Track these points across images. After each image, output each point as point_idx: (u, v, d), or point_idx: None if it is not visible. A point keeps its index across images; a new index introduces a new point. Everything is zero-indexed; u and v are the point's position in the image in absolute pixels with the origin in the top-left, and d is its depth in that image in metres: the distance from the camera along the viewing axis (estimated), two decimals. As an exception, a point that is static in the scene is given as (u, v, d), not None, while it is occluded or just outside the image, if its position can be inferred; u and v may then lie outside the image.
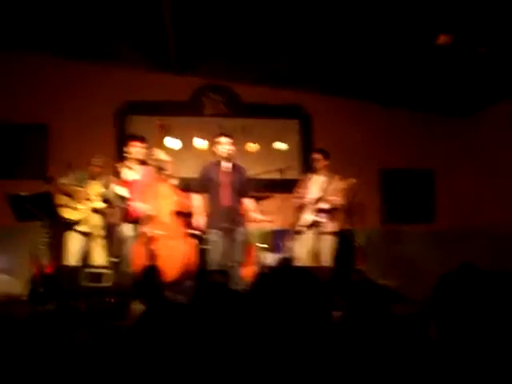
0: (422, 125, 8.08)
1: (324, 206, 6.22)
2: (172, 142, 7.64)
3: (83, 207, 6.02)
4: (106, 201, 6.05)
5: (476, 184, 7.90)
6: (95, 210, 6.05)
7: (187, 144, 7.82)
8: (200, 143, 7.82)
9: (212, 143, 6.06)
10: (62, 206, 5.90)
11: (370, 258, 7.43)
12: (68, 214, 5.91)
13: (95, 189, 6.12)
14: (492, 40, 6.22)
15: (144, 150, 6.10)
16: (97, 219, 6.06)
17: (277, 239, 7.38)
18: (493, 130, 7.86)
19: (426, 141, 8.05)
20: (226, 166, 5.70)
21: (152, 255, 5.43)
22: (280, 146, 8.12)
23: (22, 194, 5.60)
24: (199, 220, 5.73)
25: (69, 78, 7.69)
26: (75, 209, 5.97)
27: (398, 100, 7.94)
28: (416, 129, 8.09)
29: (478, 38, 6.21)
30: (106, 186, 6.05)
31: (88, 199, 6.05)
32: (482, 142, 7.90)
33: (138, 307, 4.32)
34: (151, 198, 5.71)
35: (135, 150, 6.05)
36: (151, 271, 4.08)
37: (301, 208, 6.35)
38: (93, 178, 6.19)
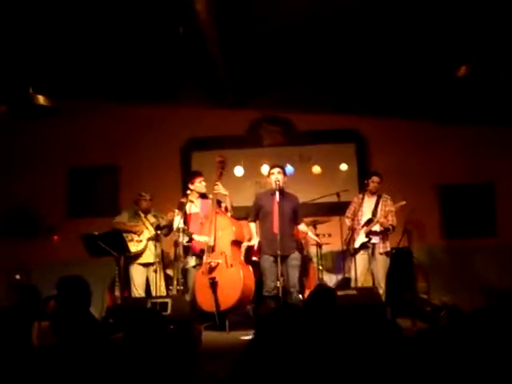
0: (478, 139, 7.96)
1: (375, 228, 6.38)
2: (237, 171, 8.13)
3: (141, 239, 6.53)
4: (158, 228, 6.51)
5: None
6: (150, 239, 6.54)
7: (247, 174, 8.21)
8: (265, 170, 8.18)
9: (268, 174, 6.45)
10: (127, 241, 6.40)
11: (432, 274, 7.46)
12: (132, 247, 6.41)
13: (149, 219, 6.66)
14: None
15: (204, 184, 6.51)
16: (153, 248, 6.52)
17: (337, 260, 7.57)
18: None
19: (484, 154, 7.91)
20: (277, 194, 6.01)
21: (213, 284, 5.79)
22: (343, 167, 8.30)
23: (95, 233, 6.15)
24: (255, 244, 6.31)
25: (135, 122, 8.34)
26: (137, 241, 6.47)
27: (452, 116, 7.90)
28: (472, 143, 7.98)
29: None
30: (157, 217, 6.59)
31: (143, 231, 6.58)
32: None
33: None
34: (210, 229, 6.09)
35: (199, 185, 6.48)
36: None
37: (353, 229, 6.49)
38: (144, 210, 6.72)
